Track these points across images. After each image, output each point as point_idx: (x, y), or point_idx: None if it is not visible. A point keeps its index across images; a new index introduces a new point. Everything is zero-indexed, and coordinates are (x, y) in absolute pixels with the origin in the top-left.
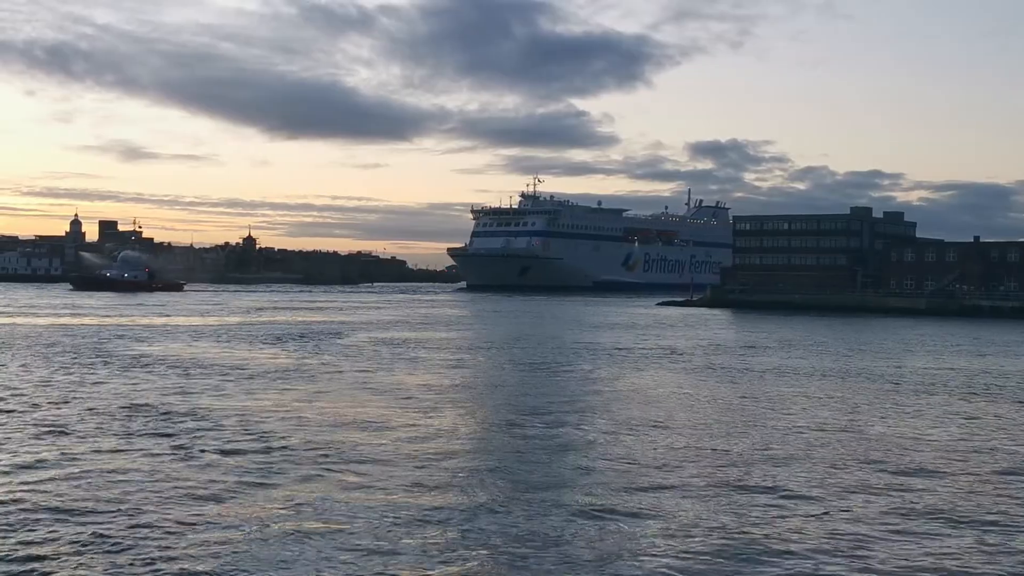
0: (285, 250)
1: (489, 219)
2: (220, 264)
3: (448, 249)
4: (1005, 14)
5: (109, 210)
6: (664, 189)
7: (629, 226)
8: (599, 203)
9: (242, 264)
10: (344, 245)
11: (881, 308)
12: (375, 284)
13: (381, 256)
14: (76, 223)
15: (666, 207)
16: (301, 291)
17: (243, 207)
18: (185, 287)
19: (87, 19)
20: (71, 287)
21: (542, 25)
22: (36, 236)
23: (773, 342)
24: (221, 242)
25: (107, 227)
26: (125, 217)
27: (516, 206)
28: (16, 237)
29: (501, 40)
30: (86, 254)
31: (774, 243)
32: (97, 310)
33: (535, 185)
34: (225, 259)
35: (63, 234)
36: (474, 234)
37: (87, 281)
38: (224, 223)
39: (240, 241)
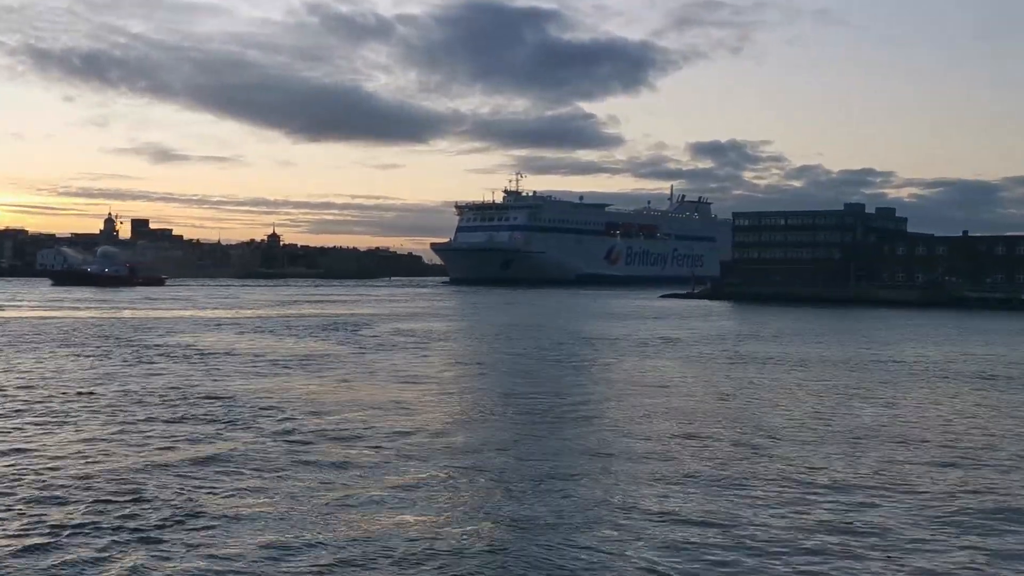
0: (307, 246)
1: (473, 214)
2: (247, 260)
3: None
4: (991, 19)
5: (141, 209)
6: (667, 187)
7: (611, 220)
8: (580, 198)
9: (267, 260)
10: (363, 242)
11: (873, 300)
12: (392, 278)
13: (398, 252)
14: (110, 222)
15: (648, 202)
16: (302, 286)
17: (267, 206)
18: (166, 281)
19: (121, 29)
20: (52, 282)
21: (551, 32)
22: (72, 234)
23: (777, 332)
24: (247, 239)
25: (139, 225)
26: (156, 216)
27: (500, 201)
28: (54, 235)
29: (512, 47)
30: (67, 249)
31: (771, 238)
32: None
33: (517, 181)
34: (251, 255)
35: (98, 232)
36: (458, 229)
37: (68, 276)
38: (249, 221)
39: (265, 238)
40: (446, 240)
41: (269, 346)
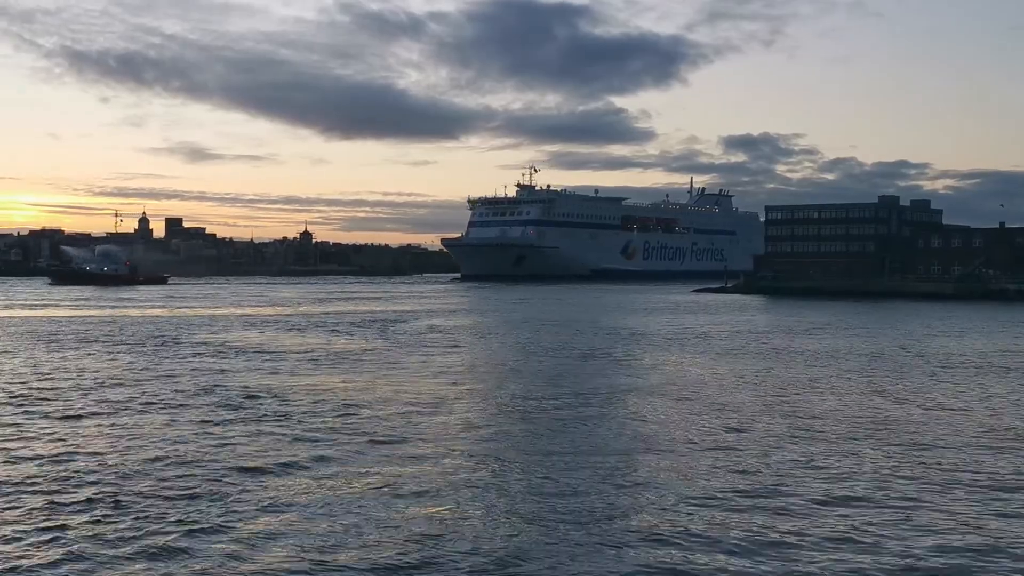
0: (340, 244)
1: (485, 209)
2: (279, 258)
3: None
4: None
5: (175, 208)
6: (699, 181)
7: (627, 214)
8: (596, 191)
9: (300, 258)
10: (395, 239)
11: (909, 293)
12: (423, 275)
13: (429, 248)
14: (144, 221)
15: (667, 195)
16: (314, 283)
17: (300, 204)
18: (169, 280)
19: (156, 29)
20: (50, 281)
21: (582, 28)
22: (107, 234)
23: (818, 327)
24: (279, 237)
25: (173, 224)
26: (189, 215)
27: (513, 196)
28: (89, 235)
29: (543, 43)
30: (68, 248)
31: (804, 231)
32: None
33: (531, 175)
34: (284, 253)
35: (132, 232)
36: (471, 224)
37: (66, 275)
38: (282, 219)
39: (298, 236)
40: (457, 235)
41: (295, 343)
